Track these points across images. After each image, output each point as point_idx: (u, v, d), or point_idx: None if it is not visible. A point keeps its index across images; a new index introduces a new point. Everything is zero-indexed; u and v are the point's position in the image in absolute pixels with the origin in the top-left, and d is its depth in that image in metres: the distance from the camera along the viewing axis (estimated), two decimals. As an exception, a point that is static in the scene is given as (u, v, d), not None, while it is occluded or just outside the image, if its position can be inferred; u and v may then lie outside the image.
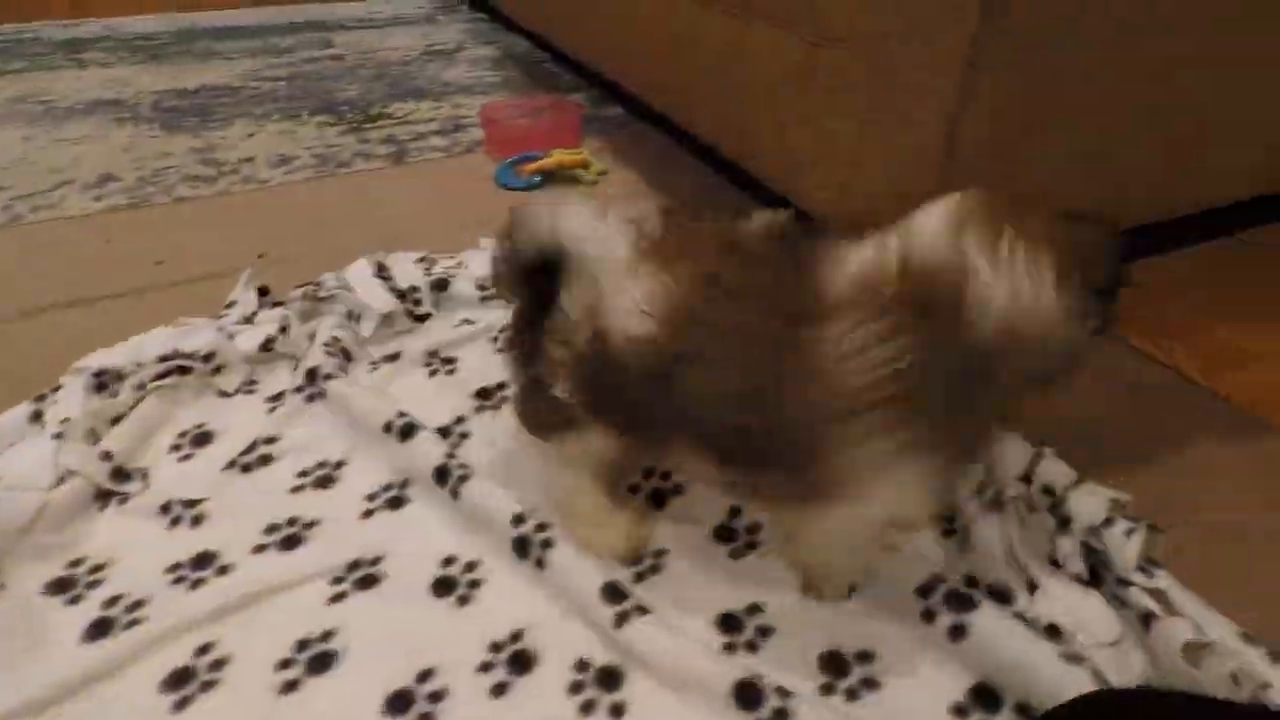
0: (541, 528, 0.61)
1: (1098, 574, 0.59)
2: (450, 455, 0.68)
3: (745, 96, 1.06)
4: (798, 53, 0.92)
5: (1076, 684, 0.50)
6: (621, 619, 0.55)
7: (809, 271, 0.49)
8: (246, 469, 0.71)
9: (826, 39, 0.86)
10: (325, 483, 0.70)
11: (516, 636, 0.57)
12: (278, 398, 0.79)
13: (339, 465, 0.71)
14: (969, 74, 0.71)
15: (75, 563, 0.62)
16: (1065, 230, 0.46)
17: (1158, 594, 0.56)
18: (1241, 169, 1.02)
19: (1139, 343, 0.94)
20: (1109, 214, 0.49)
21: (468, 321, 0.91)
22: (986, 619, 0.55)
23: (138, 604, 0.59)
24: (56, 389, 0.76)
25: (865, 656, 0.56)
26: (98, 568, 0.62)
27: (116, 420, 0.73)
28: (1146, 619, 0.55)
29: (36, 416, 0.73)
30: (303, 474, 0.71)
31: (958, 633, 0.55)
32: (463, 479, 0.65)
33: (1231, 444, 0.79)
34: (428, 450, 0.68)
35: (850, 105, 0.86)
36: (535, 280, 0.55)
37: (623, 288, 0.50)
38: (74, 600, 0.60)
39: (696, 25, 1.12)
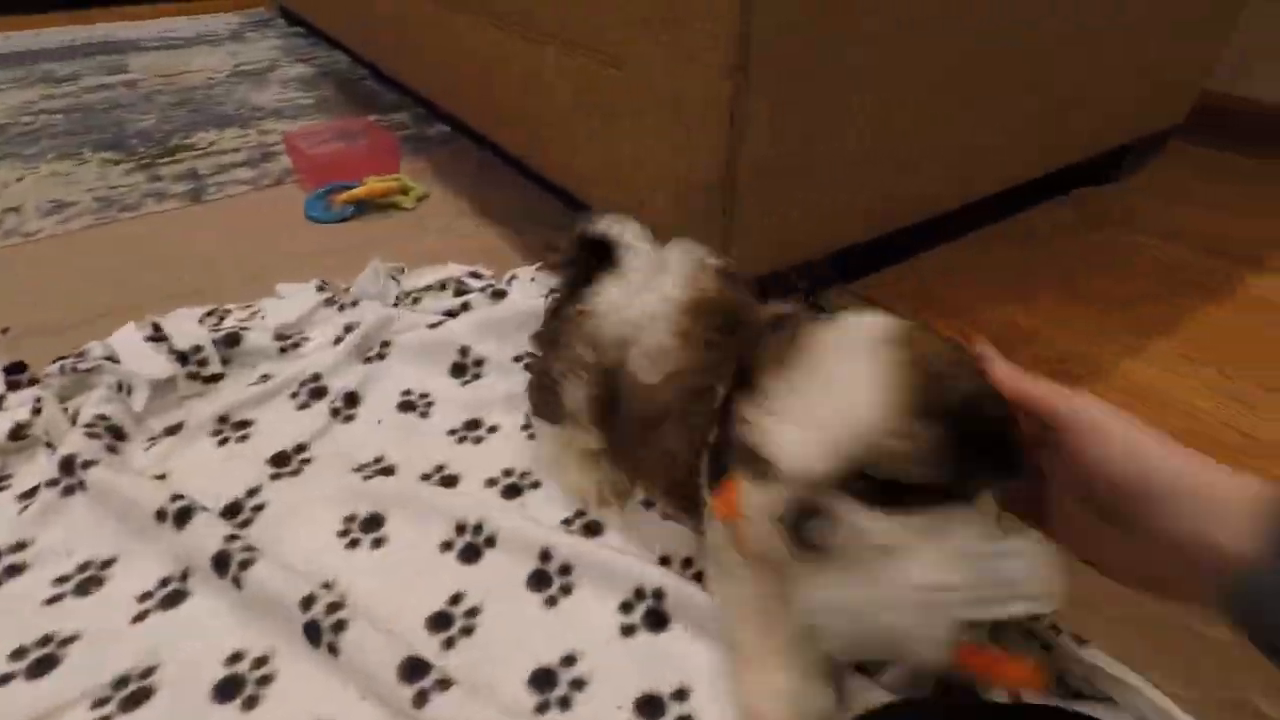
0: (334, 608, 0.57)
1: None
2: (232, 537, 0.62)
3: (545, 117, 1.04)
4: (585, 76, 0.91)
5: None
6: (422, 697, 0.52)
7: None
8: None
9: (609, 63, 0.86)
10: (88, 588, 0.62)
11: (311, 733, 0.53)
12: (31, 494, 0.69)
13: (105, 565, 0.63)
14: (741, 94, 0.71)
15: None
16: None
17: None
18: (1019, 157, 1.11)
19: (937, 325, 1.00)
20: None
21: (266, 377, 0.84)
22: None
23: None
24: None
25: (682, 694, 0.55)
26: None
27: None
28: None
29: None
30: (60, 580, 0.62)
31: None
32: (245, 564, 0.60)
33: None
34: (205, 536, 0.62)
35: (630, 128, 0.86)
36: (585, 254, 0.64)
37: (653, 333, 0.57)
38: None
39: (499, 48, 1.10)
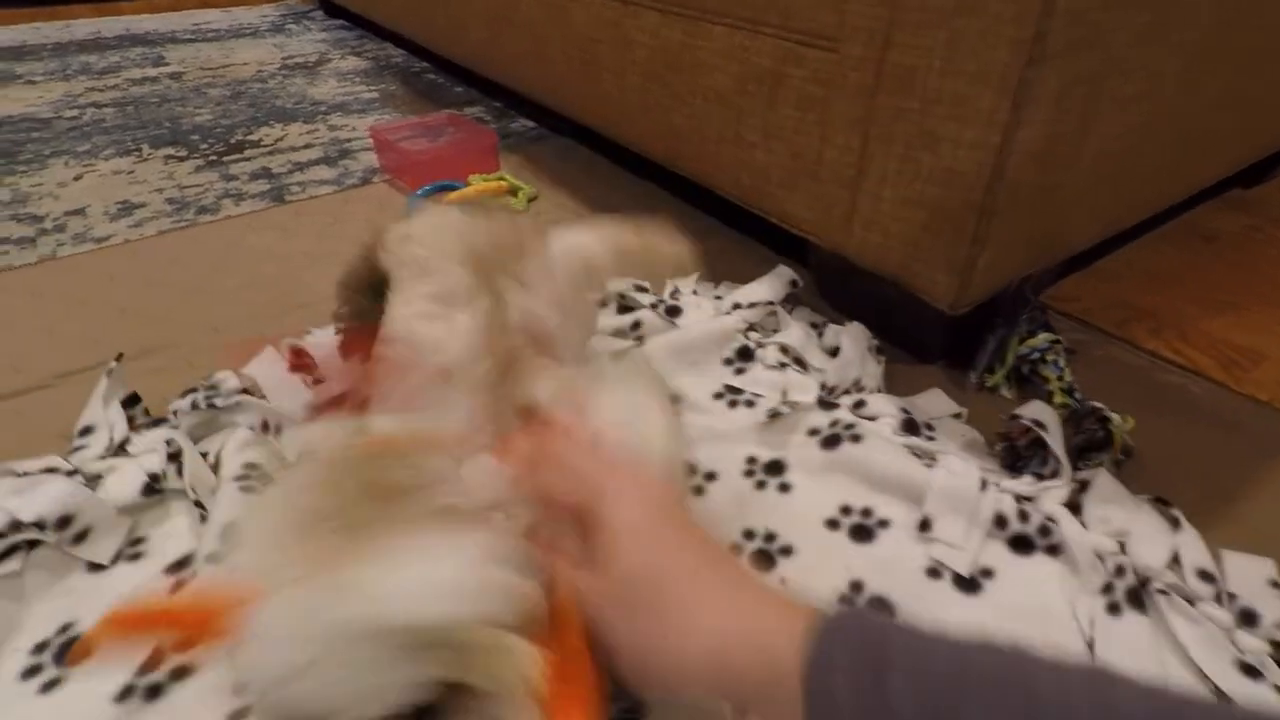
0: None
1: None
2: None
3: (693, 108, 0.91)
4: (763, 57, 0.78)
5: None
6: None
7: None
8: (154, 692, 0.48)
9: (811, 43, 0.73)
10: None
11: None
12: (181, 565, 0.56)
13: (293, 662, 0.50)
14: (1034, 66, 0.59)
15: None
16: None
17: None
18: (1231, 152, 0.99)
19: (1149, 343, 0.87)
20: None
21: (423, 411, 0.71)
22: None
23: None
24: None
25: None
26: None
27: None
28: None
29: None
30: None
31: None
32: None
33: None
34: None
35: (845, 115, 0.73)
36: None
37: None
38: None
39: (628, 29, 0.97)
